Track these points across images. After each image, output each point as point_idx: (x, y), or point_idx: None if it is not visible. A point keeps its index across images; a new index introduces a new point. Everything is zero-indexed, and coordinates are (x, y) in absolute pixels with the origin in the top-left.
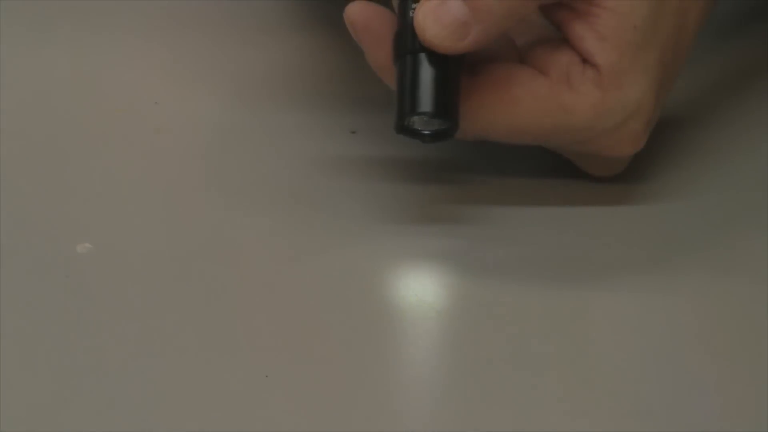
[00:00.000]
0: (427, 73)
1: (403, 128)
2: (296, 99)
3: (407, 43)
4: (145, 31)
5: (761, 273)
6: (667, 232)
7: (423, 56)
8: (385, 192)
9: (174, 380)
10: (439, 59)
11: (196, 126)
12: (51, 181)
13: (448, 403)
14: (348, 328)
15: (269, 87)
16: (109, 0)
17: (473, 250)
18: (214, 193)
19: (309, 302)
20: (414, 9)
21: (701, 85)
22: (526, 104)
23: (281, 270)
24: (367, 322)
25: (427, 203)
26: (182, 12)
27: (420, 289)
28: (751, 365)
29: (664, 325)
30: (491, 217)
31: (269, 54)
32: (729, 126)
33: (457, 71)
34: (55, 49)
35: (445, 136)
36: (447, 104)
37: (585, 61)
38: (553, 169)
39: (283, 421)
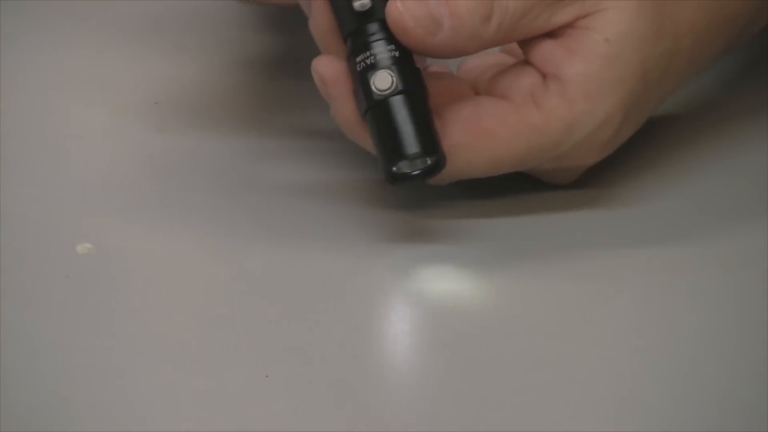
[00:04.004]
0: (399, 115)
1: (394, 176)
2: (298, 98)
3: (369, 94)
4: (145, 31)
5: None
6: (662, 231)
7: (390, 101)
8: (381, 197)
9: (174, 380)
10: (406, 99)
11: (196, 126)
12: (51, 181)
13: (449, 403)
14: (348, 328)
15: (270, 87)
16: (109, 0)
17: (467, 256)
18: (213, 193)
19: (309, 303)
20: (359, 62)
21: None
22: (498, 134)
23: (281, 270)
24: (366, 323)
25: (421, 211)
26: (183, 12)
27: (419, 291)
28: (750, 365)
29: (653, 326)
30: (484, 228)
31: (272, 55)
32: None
33: (426, 104)
34: (56, 49)
35: (435, 171)
36: (430, 139)
37: (547, 77)
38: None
39: (283, 421)
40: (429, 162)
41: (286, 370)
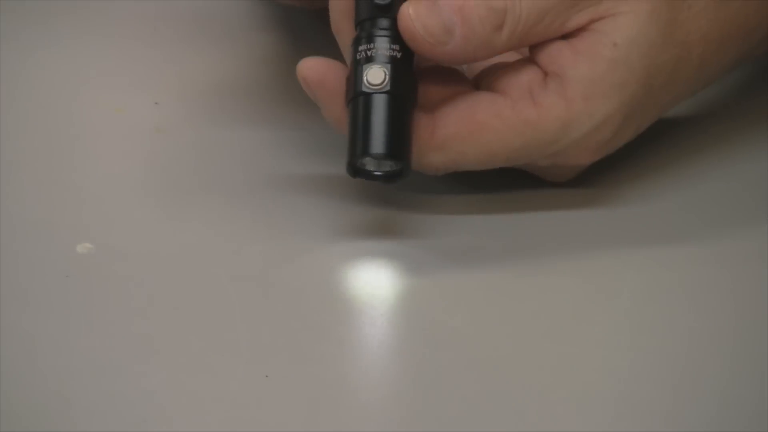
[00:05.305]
0: (379, 113)
1: (356, 170)
2: (296, 99)
3: (358, 84)
4: (144, 31)
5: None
6: (663, 231)
7: (374, 97)
8: (380, 192)
9: (174, 380)
10: (391, 100)
11: (196, 126)
12: (51, 181)
13: (448, 402)
14: (348, 328)
15: (269, 87)
16: (109, 0)
17: (466, 253)
18: (213, 192)
19: (309, 302)
20: (360, 51)
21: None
22: (493, 128)
23: (281, 270)
24: (366, 323)
25: (423, 207)
26: (182, 13)
27: (419, 290)
28: (750, 364)
29: (652, 326)
30: (481, 224)
31: (271, 54)
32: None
33: (409, 112)
34: (55, 49)
35: (397, 178)
36: (399, 145)
37: (548, 76)
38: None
39: (283, 421)
40: (394, 167)
41: (286, 370)
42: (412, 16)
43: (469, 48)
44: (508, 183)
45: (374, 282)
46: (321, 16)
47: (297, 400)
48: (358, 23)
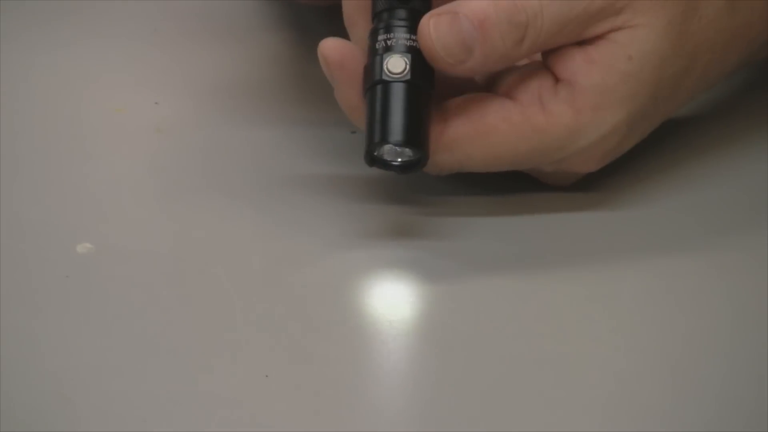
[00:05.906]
0: (398, 102)
1: (373, 159)
2: (297, 98)
3: (378, 72)
4: (145, 31)
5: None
6: (664, 235)
7: (394, 85)
8: (383, 191)
9: (174, 380)
10: (410, 88)
11: (196, 126)
12: (51, 181)
13: (448, 402)
14: (348, 328)
15: (270, 86)
16: (109, 0)
17: (467, 255)
18: (213, 192)
19: (309, 302)
20: (380, 40)
21: None
22: (500, 131)
23: (281, 270)
24: (367, 323)
25: (426, 207)
26: (182, 12)
27: (420, 290)
28: (749, 368)
29: (652, 329)
30: (484, 226)
31: (271, 53)
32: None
33: (428, 103)
34: (55, 49)
35: (415, 167)
36: (418, 134)
37: (559, 82)
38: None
39: (283, 421)
40: (412, 157)
41: (286, 370)
42: (433, 36)
43: (488, 64)
44: (512, 185)
45: (376, 282)
46: (326, 13)
47: (297, 400)
48: (376, 15)
